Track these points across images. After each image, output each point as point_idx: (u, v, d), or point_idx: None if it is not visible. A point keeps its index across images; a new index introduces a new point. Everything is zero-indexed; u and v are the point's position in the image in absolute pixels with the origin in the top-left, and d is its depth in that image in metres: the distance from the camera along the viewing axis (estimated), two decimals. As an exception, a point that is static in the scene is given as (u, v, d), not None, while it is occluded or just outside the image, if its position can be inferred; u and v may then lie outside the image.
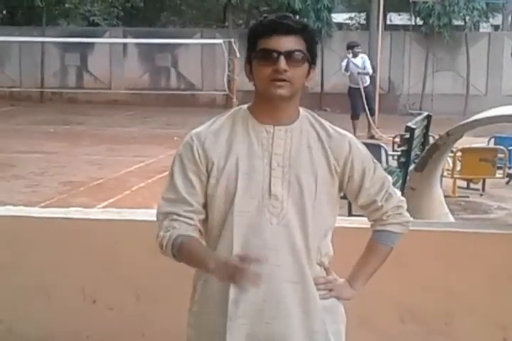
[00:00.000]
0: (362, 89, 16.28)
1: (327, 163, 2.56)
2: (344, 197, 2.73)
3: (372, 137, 16.22)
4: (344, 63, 16.52)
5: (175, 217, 2.53)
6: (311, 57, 2.51)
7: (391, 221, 2.68)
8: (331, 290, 2.63)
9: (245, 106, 2.62)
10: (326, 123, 2.63)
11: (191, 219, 2.53)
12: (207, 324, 2.57)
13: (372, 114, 16.87)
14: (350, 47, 16.47)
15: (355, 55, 16.36)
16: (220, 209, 2.52)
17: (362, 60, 16.53)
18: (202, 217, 2.56)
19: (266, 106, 2.54)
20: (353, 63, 16.33)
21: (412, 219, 2.75)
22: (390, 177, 2.73)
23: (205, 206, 2.56)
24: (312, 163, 2.54)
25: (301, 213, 2.51)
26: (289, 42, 2.45)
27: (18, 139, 15.33)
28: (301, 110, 2.61)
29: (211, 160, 2.52)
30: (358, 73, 16.28)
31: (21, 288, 4.28)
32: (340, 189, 2.62)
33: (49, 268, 4.25)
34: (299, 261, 2.52)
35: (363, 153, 2.63)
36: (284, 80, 2.45)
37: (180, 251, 2.49)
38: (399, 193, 2.73)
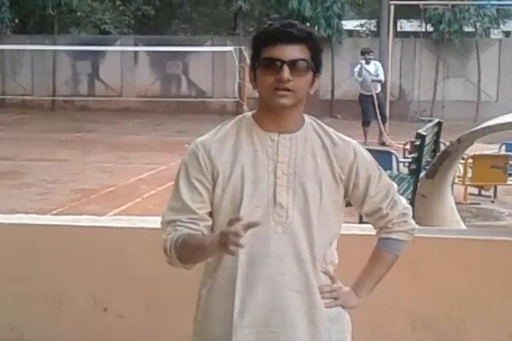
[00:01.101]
0: (375, 96, 16.27)
1: (332, 171, 2.54)
2: (351, 205, 2.72)
3: (383, 144, 16.20)
4: (357, 69, 16.50)
5: (178, 223, 2.51)
6: (315, 66, 2.49)
7: (396, 229, 2.67)
8: (336, 298, 2.62)
9: (249, 113, 2.61)
10: (331, 130, 2.61)
11: (196, 224, 2.51)
12: (211, 333, 2.56)
13: (384, 121, 16.84)
14: (364, 53, 16.45)
15: (367, 62, 16.35)
16: (226, 217, 2.48)
17: (375, 67, 16.51)
18: (208, 223, 2.54)
19: (270, 114, 2.52)
20: (366, 69, 16.32)
21: (417, 226, 2.74)
22: (395, 185, 2.71)
23: (210, 214, 2.55)
24: (317, 170, 2.53)
25: (306, 221, 2.50)
26: (293, 51, 2.43)
27: (29, 147, 15.39)
28: (306, 117, 2.60)
29: (217, 168, 2.51)
30: (373, 81, 16.28)
31: (32, 295, 4.29)
32: (345, 196, 2.61)
33: (60, 275, 4.26)
34: (304, 269, 2.51)
35: (367, 161, 2.61)
36: (287, 90, 2.43)
37: (182, 247, 2.46)
38: (404, 200, 2.71)
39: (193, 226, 2.51)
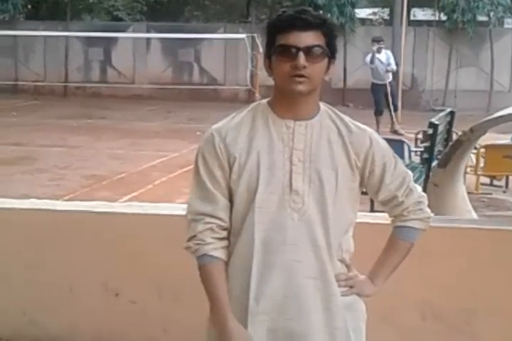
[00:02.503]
0: (387, 85, 16.24)
1: (348, 158, 2.54)
2: (365, 193, 2.72)
3: (395, 132, 16.16)
4: (369, 57, 16.45)
5: (207, 219, 2.54)
6: (330, 52, 2.49)
7: (412, 217, 2.66)
8: (351, 286, 2.62)
9: (265, 100, 2.61)
10: (347, 118, 2.61)
11: (222, 220, 2.54)
12: None
13: (395, 110, 16.80)
14: (376, 41, 16.40)
15: (378, 50, 16.30)
16: (241, 204, 2.52)
17: (386, 56, 16.46)
18: (229, 213, 2.56)
19: (285, 101, 2.52)
20: (378, 58, 16.27)
21: (432, 214, 2.73)
22: (410, 173, 2.70)
23: (230, 200, 2.56)
24: (333, 158, 2.52)
25: (322, 209, 2.50)
26: (308, 38, 2.43)
27: (41, 133, 15.43)
28: (322, 105, 2.60)
29: (233, 155, 2.51)
30: (387, 71, 16.25)
31: (44, 280, 4.31)
32: (361, 184, 2.60)
33: (72, 261, 4.28)
34: (319, 257, 2.51)
35: (383, 148, 2.61)
36: (303, 76, 2.43)
37: (202, 275, 2.56)
38: (419, 189, 2.71)
39: (221, 223, 2.54)
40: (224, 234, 2.57)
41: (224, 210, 2.55)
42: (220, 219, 2.55)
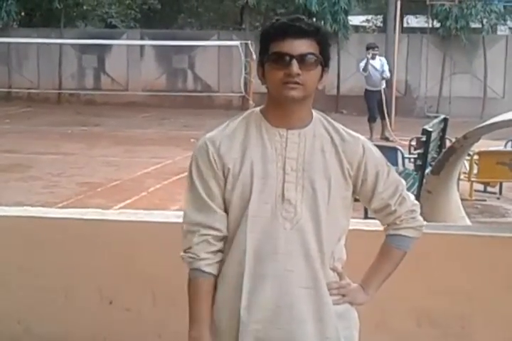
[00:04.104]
0: (382, 92, 16.30)
1: (340, 167, 2.54)
2: (359, 200, 2.72)
3: (386, 139, 16.20)
4: (362, 64, 16.51)
5: (203, 231, 2.54)
6: (324, 60, 2.49)
7: (405, 225, 2.66)
8: (344, 295, 2.61)
9: (258, 109, 2.61)
10: (339, 126, 2.61)
11: (219, 230, 2.54)
12: (219, 328, 2.56)
13: (384, 117, 16.81)
14: (370, 48, 16.45)
15: (373, 57, 16.35)
16: (234, 213, 2.52)
17: (380, 63, 16.52)
18: (226, 222, 2.55)
19: (279, 109, 2.52)
20: (372, 65, 16.32)
21: (425, 223, 2.73)
22: (403, 181, 2.70)
23: (225, 210, 2.56)
24: (326, 167, 2.52)
25: (314, 218, 2.50)
26: (301, 46, 2.43)
27: (35, 140, 15.41)
28: (315, 113, 2.60)
29: (227, 166, 2.51)
30: (383, 78, 16.33)
31: (38, 288, 4.30)
32: (354, 192, 2.60)
33: (66, 268, 4.28)
34: (312, 266, 2.51)
35: (376, 157, 2.61)
36: (296, 83, 2.43)
37: (189, 285, 2.58)
38: (412, 197, 2.70)
39: (217, 234, 2.54)
40: (220, 245, 2.56)
41: (220, 220, 2.54)
42: (216, 229, 2.54)
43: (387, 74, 16.65)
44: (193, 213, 2.56)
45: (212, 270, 2.55)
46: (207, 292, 2.56)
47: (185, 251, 2.57)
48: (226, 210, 2.55)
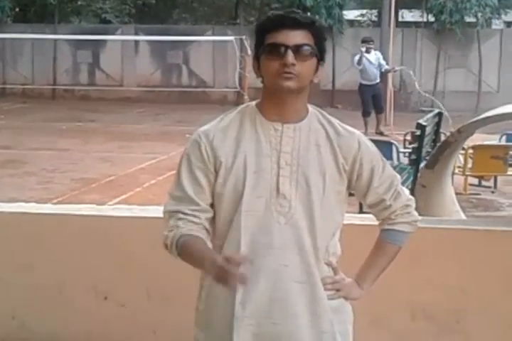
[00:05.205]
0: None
1: (335, 162, 2.53)
2: (353, 195, 2.72)
3: (380, 133, 16.20)
4: (357, 57, 16.52)
5: (180, 215, 2.51)
6: (319, 53, 2.49)
7: (399, 220, 2.66)
8: (338, 290, 2.61)
9: (253, 103, 2.60)
10: (335, 121, 2.60)
11: (197, 217, 2.51)
12: (213, 323, 2.56)
13: (381, 112, 16.84)
14: (365, 41, 16.46)
15: (368, 51, 16.35)
16: (227, 208, 2.51)
17: (376, 57, 16.54)
18: (209, 215, 2.54)
19: (274, 102, 2.52)
20: (367, 58, 16.32)
21: (420, 218, 2.73)
22: (398, 176, 2.69)
23: (212, 205, 2.54)
24: (320, 161, 2.52)
25: (309, 212, 2.49)
26: (297, 37, 2.43)
27: (30, 136, 15.38)
28: (310, 108, 2.59)
29: (219, 159, 2.50)
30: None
31: (33, 284, 4.30)
32: (349, 187, 2.60)
33: (60, 264, 4.27)
34: (306, 260, 2.50)
35: (372, 152, 2.60)
36: (291, 73, 2.42)
37: (182, 251, 2.47)
38: (407, 192, 2.70)
39: (194, 219, 2.50)
40: (201, 228, 2.50)
41: (201, 212, 2.51)
42: (196, 217, 2.50)
43: (386, 66, 16.71)
44: (173, 203, 2.54)
45: (198, 233, 2.48)
46: (202, 243, 2.46)
47: (164, 234, 2.52)
48: (217, 206, 2.53)
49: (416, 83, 16.60)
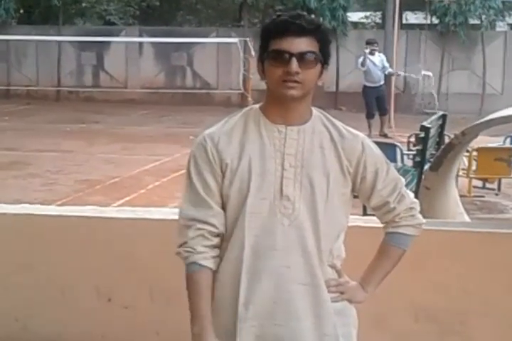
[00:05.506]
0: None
1: (339, 164, 2.53)
2: (357, 197, 2.71)
3: (384, 135, 16.20)
4: (361, 59, 16.52)
5: (198, 225, 2.53)
6: (323, 58, 2.49)
7: (404, 223, 2.66)
8: (342, 292, 2.61)
9: (257, 105, 2.61)
10: (339, 124, 2.60)
11: (214, 226, 2.53)
12: (217, 325, 2.56)
13: (385, 114, 16.86)
14: (369, 43, 16.47)
15: (371, 53, 16.36)
16: (232, 209, 2.52)
17: (380, 59, 16.54)
18: (223, 220, 2.55)
19: (277, 105, 2.52)
20: (370, 60, 16.32)
21: (424, 221, 2.72)
22: (402, 179, 2.69)
23: (223, 206, 2.56)
24: (324, 163, 2.52)
25: (313, 214, 2.50)
26: (301, 44, 2.42)
27: (34, 138, 15.40)
28: (314, 110, 2.59)
29: (225, 161, 2.51)
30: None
31: (36, 286, 4.30)
32: (353, 190, 2.60)
33: (64, 266, 4.28)
34: (310, 262, 2.50)
35: (376, 154, 2.60)
36: (296, 81, 2.43)
37: (187, 280, 2.55)
38: (411, 195, 2.70)
39: (213, 229, 2.53)
40: (216, 240, 2.56)
41: (216, 216, 2.54)
42: (211, 225, 2.54)
43: (390, 69, 16.73)
44: (189, 208, 2.56)
45: (210, 264, 2.54)
46: (206, 286, 2.54)
47: (180, 246, 2.57)
48: (224, 207, 2.55)
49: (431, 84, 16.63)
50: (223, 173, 2.52)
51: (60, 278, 4.29)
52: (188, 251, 2.54)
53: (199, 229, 2.54)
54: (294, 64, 2.41)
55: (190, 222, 2.55)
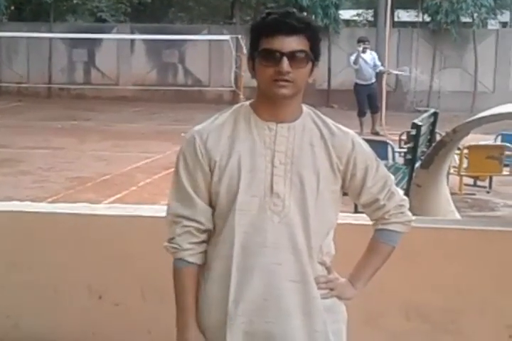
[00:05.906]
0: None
1: (329, 161, 2.54)
2: (347, 195, 2.71)
3: (376, 133, 16.22)
4: (353, 57, 16.52)
5: (185, 222, 2.54)
6: (314, 56, 2.48)
7: (393, 220, 2.66)
8: (332, 289, 2.61)
9: (247, 102, 2.61)
10: (329, 121, 2.60)
11: (201, 223, 2.55)
12: (207, 322, 2.57)
13: (376, 112, 16.87)
14: (361, 41, 16.48)
15: (363, 51, 16.37)
16: (222, 206, 2.52)
17: (371, 57, 16.55)
18: (210, 216, 2.56)
19: (268, 103, 2.52)
20: (362, 58, 16.33)
21: (414, 218, 2.73)
22: (392, 176, 2.70)
23: (211, 204, 2.56)
24: (314, 161, 2.52)
25: (303, 211, 2.50)
26: (292, 43, 2.42)
27: (25, 135, 15.36)
28: (304, 107, 2.59)
29: (213, 158, 2.51)
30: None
31: (27, 283, 4.29)
32: (343, 187, 2.60)
33: (55, 263, 4.27)
34: (300, 259, 2.51)
35: (365, 151, 2.61)
36: (286, 81, 2.43)
37: (174, 275, 2.60)
38: (401, 192, 2.71)
39: (200, 226, 2.55)
40: (203, 237, 2.57)
41: (203, 214, 2.55)
42: (198, 222, 2.55)
43: (381, 67, 16.75)
44: (177, 205, 2.57)
45: (196, 260, 2.57)
46: (192, 282, 2.57)
47: (168, 241, 2.59)
48: (212, 204, 2.55)
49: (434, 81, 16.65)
50: (212, 170, 2.52)
51: (51, 276, 4.28)
52: (174, 248, 2.57)
53: (186, 226, 2.55)
54: (285, 63, 2.41)
55: (177, 218, 2.56)
